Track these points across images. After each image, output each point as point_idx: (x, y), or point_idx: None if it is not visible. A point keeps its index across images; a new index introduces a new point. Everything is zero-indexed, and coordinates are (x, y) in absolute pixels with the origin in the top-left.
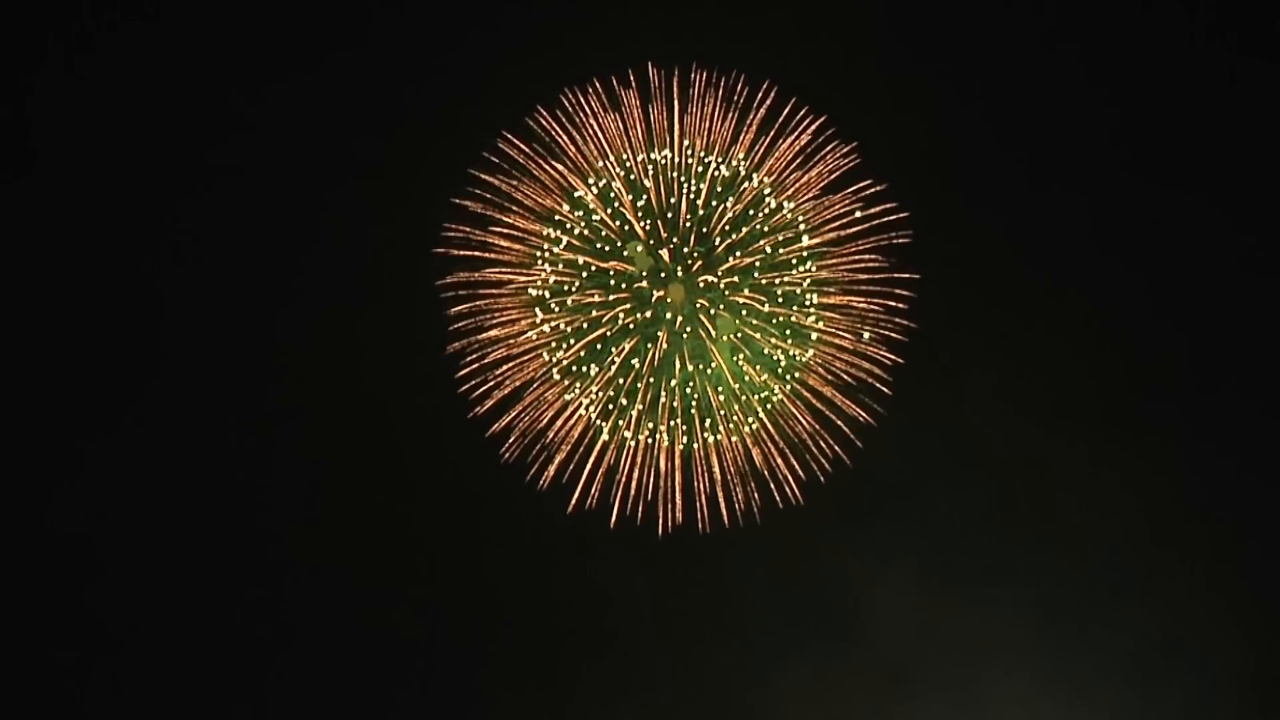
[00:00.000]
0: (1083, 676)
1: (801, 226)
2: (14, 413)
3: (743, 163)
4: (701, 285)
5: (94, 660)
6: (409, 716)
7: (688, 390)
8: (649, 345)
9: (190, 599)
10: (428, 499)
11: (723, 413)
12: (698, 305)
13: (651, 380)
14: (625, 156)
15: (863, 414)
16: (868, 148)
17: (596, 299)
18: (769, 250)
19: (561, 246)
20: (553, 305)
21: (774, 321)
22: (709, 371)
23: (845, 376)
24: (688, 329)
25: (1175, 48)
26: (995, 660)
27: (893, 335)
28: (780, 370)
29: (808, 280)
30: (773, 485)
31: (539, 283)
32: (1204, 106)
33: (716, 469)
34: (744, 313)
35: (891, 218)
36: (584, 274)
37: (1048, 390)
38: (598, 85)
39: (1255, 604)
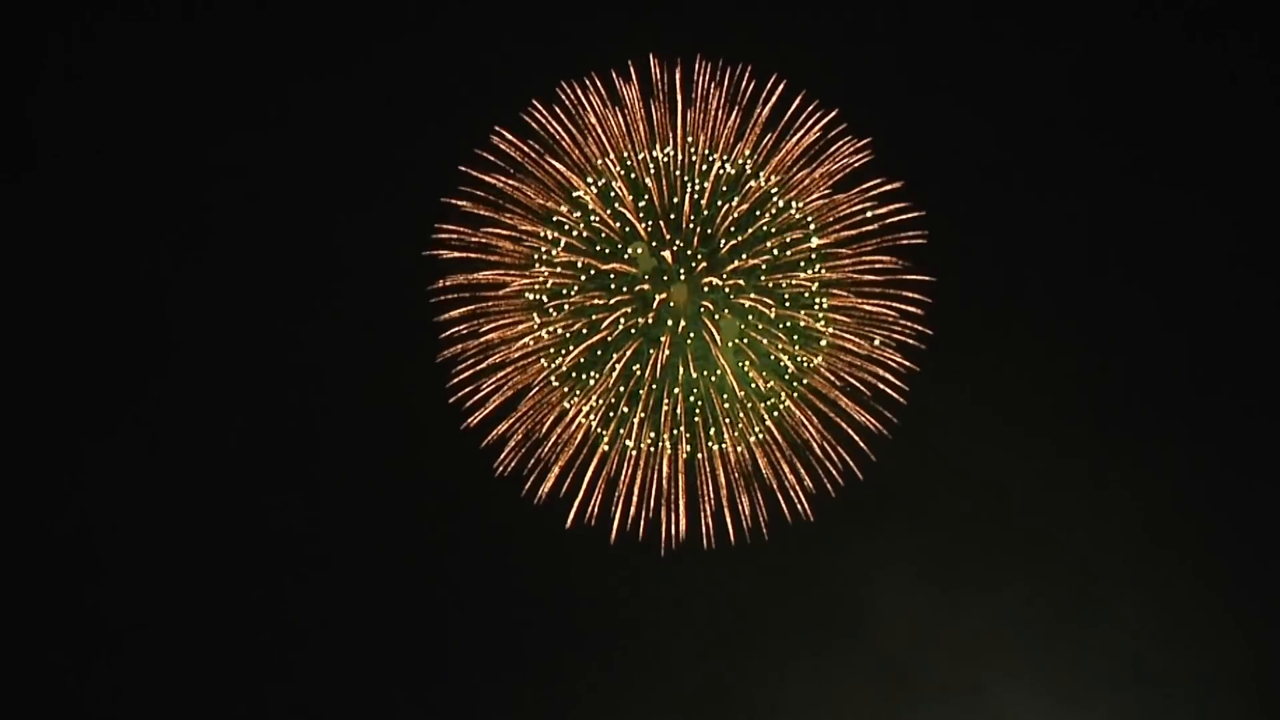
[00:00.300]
0: (1085, 678)
1: (811, 226)
2: (21, 415)
3: (749, 160)
4: (705, 288)
5: (97, 662)
6: None
7: (691, 397)
8: (651, 350)
9: (180, 615)
10: (418, 515)
11: (727, 420)
12: (701, 308)
13: (654, 386)
14: (626, 154)
15: (874, 423)
16: (882, 144)
17: (597, 302)
18: (775, 252)
19: (560, 248)
20: (550, 309)
21: (782, 326)
22: (713, 378)
23: (856, 382)
24: (691, 334)
25: (1195, 47)
26: (1000, 662)
27: (907, 340)
28: (788, 376)
29: (816, 283)
30: (781, 498)
31: (536, 286)
32: (1218, 109)
33: (722, 480)
34: (749, 316)
35: (904, 217)
36: (583, 276)
37: (1054, 393)
38: (596, 80)
39: (1256, 604)
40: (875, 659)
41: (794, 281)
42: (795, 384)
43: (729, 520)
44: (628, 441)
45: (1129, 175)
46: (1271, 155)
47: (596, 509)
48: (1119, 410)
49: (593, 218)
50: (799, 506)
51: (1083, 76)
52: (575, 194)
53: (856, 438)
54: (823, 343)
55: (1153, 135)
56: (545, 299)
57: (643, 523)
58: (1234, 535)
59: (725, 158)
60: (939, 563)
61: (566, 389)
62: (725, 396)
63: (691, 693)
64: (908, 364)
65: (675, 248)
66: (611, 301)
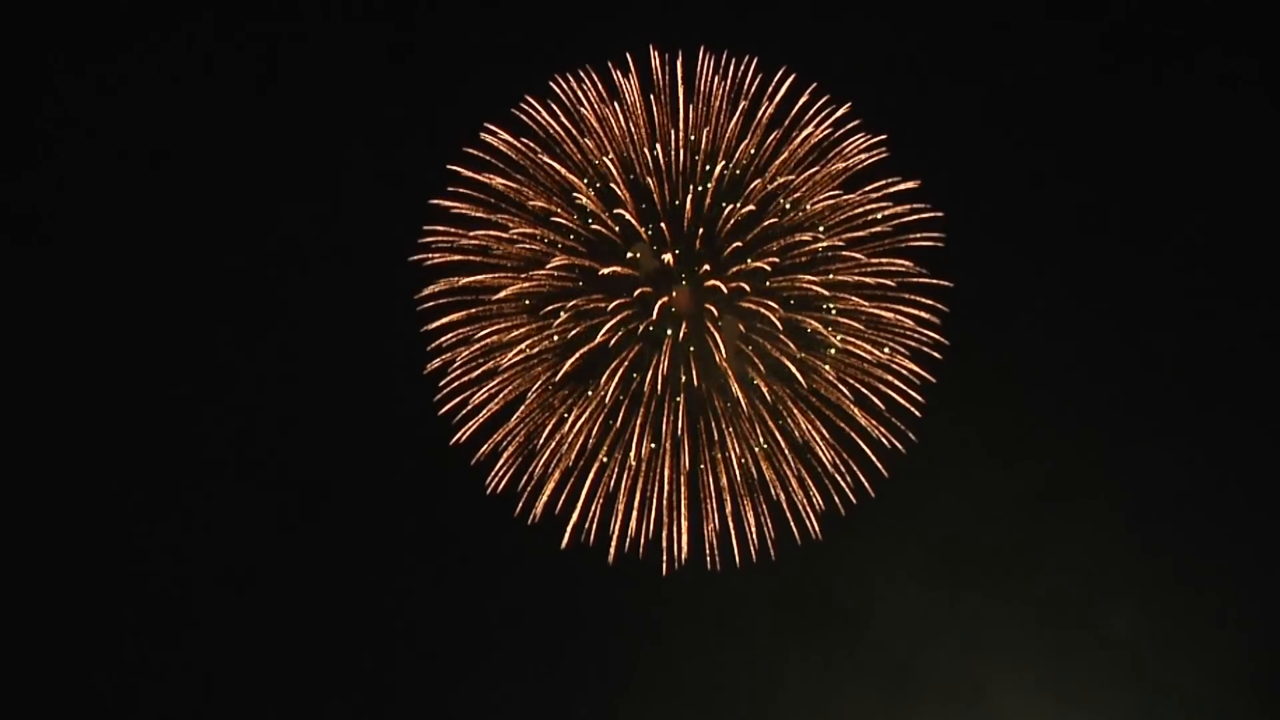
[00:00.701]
0: (1085, 678)
1: (820, 228)
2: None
3: (754, 158)
4: (709, 291)
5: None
6: None
7: (694, 406)
8: (652, 356)
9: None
10: (404, 546)
11: (731, 430)
12: (704, 311)
13: (655, 393)
14: (626, 152)
15: (889, 437)
16: (897, 140)
17: (596, 306)
18: (782, 254)
19: (559, 250)
20: (546, 315)
21: (793, 330)
22: (717, 385)
23: (868, 392)
24: (694, 341)
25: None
26: (1000, 662)
27: (923, 348)
28: (794, 382)
29: (824, 287)
30: (789, 514)
31: (533, 290)
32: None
33: (726, 494)
34: (757, 323)
35: (919, 217)
36: (580, 282)
37: (1058, 394)
38: (593, 74)
39: (1255, 605)
40: (876, 659)
41: (800, 284)
42: (801, 390)
43: (734, 538)
44: (628, 452)
45: (1153, 177)
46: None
47: (595, 526)
48: (1124, 412)
49: (590, 221)
50: (808, 524)
51: (1114, 67)
52: (573, 196)
53: (868, 451)
54: (831, 351)
55: (1174, 132)
56: (542, 303)
57: (643, 542)
58: (1234, 537)
59: (729, 156)
60: (940, 564)
61: (565, 393)
62: (729, 405)
63: (693, 692)
64: (923, 374)
65: (677, 250)
66: (611, 306)
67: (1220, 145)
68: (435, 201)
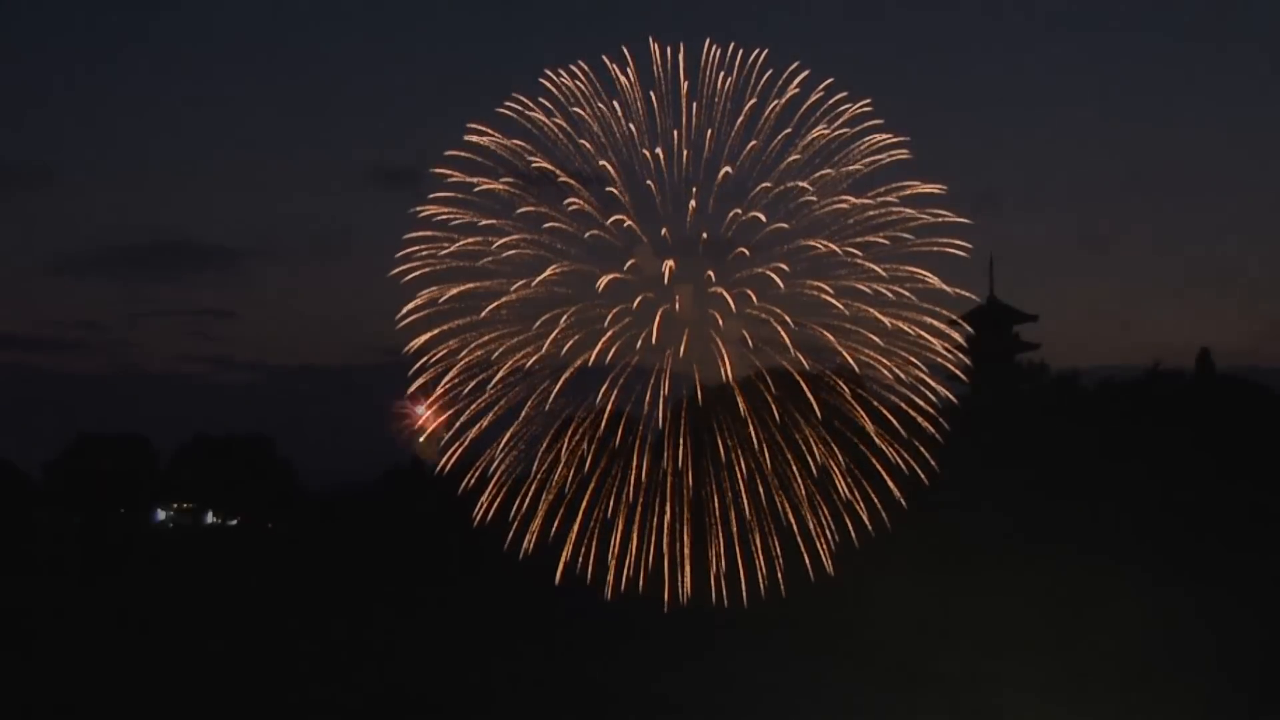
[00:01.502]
0: (1085, 678)
1: (828, 233)
2: None
3: (762, 158)
4: (712, 297)
5: None
6: None
7: (698, 422)
8: (654, 367)
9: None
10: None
11: (738, 449)
12: (708, 319)
13: (657, 404)
14: (625, 150)
15: (908, 460)
16: (919, 139)
17: (594, 314)
18: (789, 259)
19: (557, 252)
20: (542, 322)
21: (803, 340)
22: (720, 394)
23: (884, 411)
24: (698, 355)
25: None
26: (1000, 662)
27: (946, 365)
28: (802, 387)
29: (837, 296)
30: (803, 546)
31: (525, 299)
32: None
33: (734, 523)
34: (759, 328)
35: (942, 220)
36: (572, 291)
37: (1060, 396)
38: (588, 70)
39: (1255, 604)
40: (876, 659)
41: (807, 288)
42: (811, 400)
43: (741, 571)
44: (627, 472)
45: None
46: None
47: (593, 557)
48: (1127, 411)
49: (587, 231)
50: (823, 559)
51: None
52: (568, 200)
53: (888, 478)
54: (843, 365)
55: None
56: (536, 313)
57: (643, 575)
58: (1234, 536)
59: (735, 155)
60: (942, 563)
61: (564, 402)
62: (735, 421)
63: (690, 689)
64: (947, 394)
65: (679, 254)
66: (610, 313)
67: None
68: (417, 209)
